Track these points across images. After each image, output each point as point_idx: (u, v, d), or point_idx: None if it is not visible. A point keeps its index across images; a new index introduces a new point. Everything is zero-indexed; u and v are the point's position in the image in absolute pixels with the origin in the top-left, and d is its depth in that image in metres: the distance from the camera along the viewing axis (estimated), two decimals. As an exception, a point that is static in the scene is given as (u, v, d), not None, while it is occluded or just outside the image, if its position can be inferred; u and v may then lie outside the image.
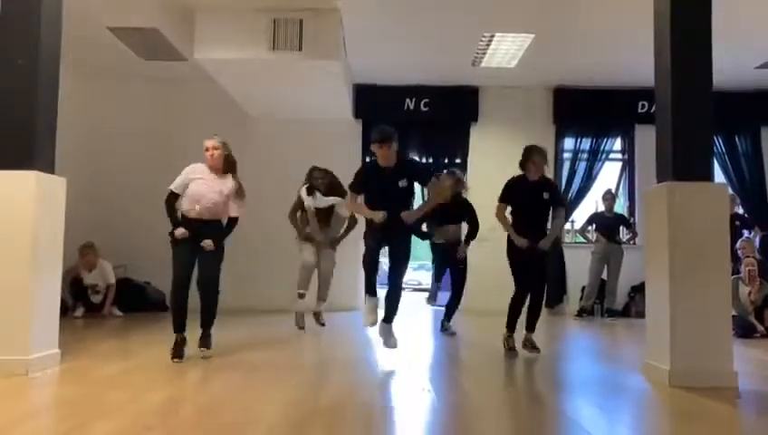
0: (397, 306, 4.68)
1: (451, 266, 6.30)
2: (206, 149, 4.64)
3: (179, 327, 4.53)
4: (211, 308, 4.68)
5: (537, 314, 5.08)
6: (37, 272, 3.96)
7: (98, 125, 8.61)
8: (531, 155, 5.00)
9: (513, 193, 5.05)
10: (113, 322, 7.12)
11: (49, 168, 4.12)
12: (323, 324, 6.45)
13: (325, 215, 6.35)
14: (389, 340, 4.67)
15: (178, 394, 3.60)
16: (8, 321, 3.85)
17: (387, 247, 4.86)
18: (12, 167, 3.93)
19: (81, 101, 8.25)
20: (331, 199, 6.25)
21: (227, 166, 4.70)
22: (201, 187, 4.59)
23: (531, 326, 5.06)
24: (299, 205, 6.37)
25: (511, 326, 5.10)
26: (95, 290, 7.53)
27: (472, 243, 6.24)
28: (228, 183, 4.68)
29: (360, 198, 4.74)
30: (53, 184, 4.17)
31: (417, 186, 4.80)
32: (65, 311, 6.55)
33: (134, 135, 8.73)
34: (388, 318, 4.68)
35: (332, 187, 6.27)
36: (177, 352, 4.44)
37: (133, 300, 7.81)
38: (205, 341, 4.64)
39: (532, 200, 5.02)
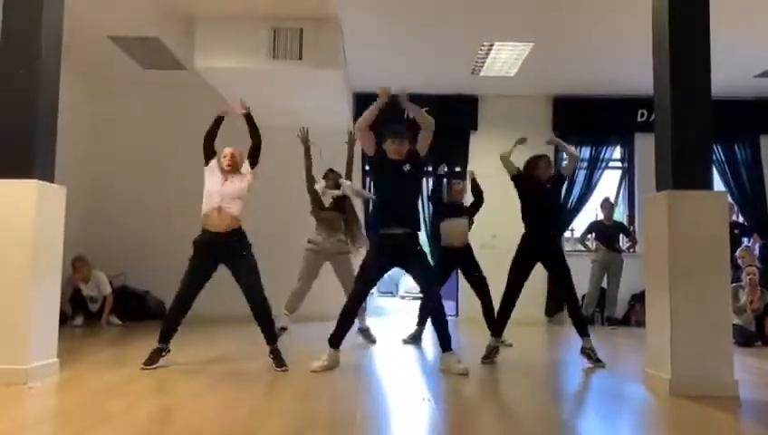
0: (446, 330, 4.54)
1: (466, 275, 6.27)
2: (224, 156, 4.86)
3: (165, 338, 4.53)
4: (269, 325, 4.60)
5: (580, 321, 5.04)
6: (37, 281, 3.96)
7: (98, 133, 8.63)
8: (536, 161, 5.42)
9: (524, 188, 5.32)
10: (112, 331, 7.10)
11: (49, 176, 4.13)
12: (374, 341, 6.12)
13: (331, 223, 6.24)
14: (458, 367, 4.45)
15: (176, 403, 3.59)
16: (7, 330, 3.84)
17: (406, 273, 4.85)
18: (13, 175, 3.94)
19: (82, 109, 8.28)
20: (338, 191, 6.30)
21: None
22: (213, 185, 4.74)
23: (583, 333, 5.02)
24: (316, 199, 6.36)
25: (500, 332, 5.13)
26: (93, 300, 7.52)
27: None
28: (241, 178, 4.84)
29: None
30: (54, 193, 4.17)
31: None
32: (64, 320, 6.54)
33: (134, 143, 8.74)
34: (445, 346, 4.56)
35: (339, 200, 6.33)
36: (151, 359, 4.43)
37: (132, 309, 7.79)
38: (278, 361, 4.50)
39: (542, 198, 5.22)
